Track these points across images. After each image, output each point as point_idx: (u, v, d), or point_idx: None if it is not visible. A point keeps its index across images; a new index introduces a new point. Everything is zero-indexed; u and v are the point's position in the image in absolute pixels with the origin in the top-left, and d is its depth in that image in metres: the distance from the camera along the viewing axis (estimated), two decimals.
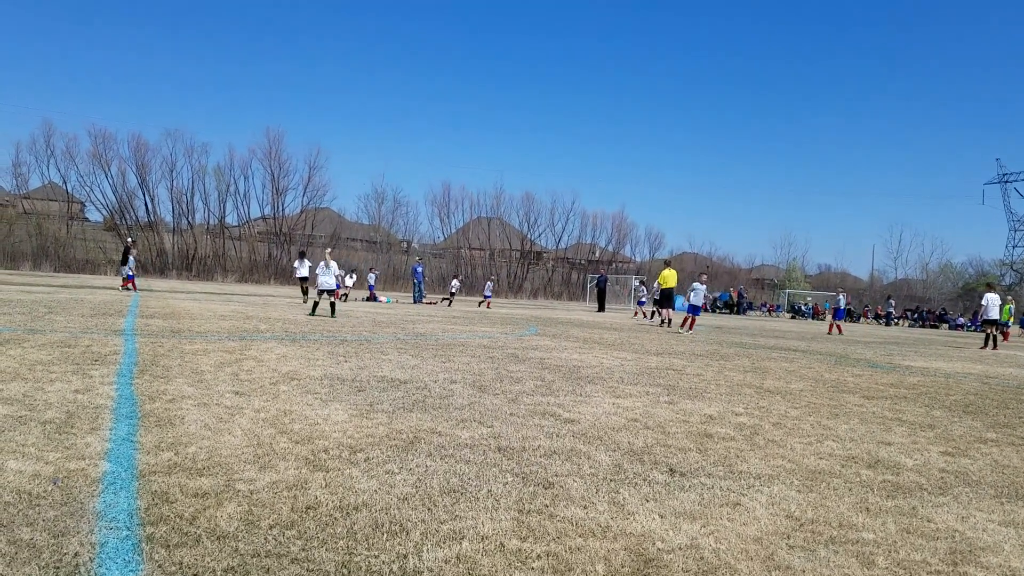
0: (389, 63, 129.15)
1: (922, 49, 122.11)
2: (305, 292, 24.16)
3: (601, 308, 37.11)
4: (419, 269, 34.90)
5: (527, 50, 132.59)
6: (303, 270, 24.46)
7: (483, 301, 34.80)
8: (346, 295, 24.95)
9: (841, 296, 29.23)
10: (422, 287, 34.38)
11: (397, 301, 34.08)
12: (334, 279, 17.77)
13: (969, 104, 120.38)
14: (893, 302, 54.65)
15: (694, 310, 20.33)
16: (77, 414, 4.65)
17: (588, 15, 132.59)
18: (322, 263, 17.70)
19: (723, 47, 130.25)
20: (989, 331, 21.41)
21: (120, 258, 27.60)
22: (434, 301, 34.59)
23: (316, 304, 17.57)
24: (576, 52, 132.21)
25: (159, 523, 2.82)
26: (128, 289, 25.64)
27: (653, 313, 29.87)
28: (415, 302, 32.72)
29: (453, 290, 36.53)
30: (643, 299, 34.53)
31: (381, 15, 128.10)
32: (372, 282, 34.99)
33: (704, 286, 20.88)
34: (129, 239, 35.30)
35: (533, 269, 78.33)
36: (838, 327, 27.26)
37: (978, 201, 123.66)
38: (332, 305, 17.58)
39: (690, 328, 19.74)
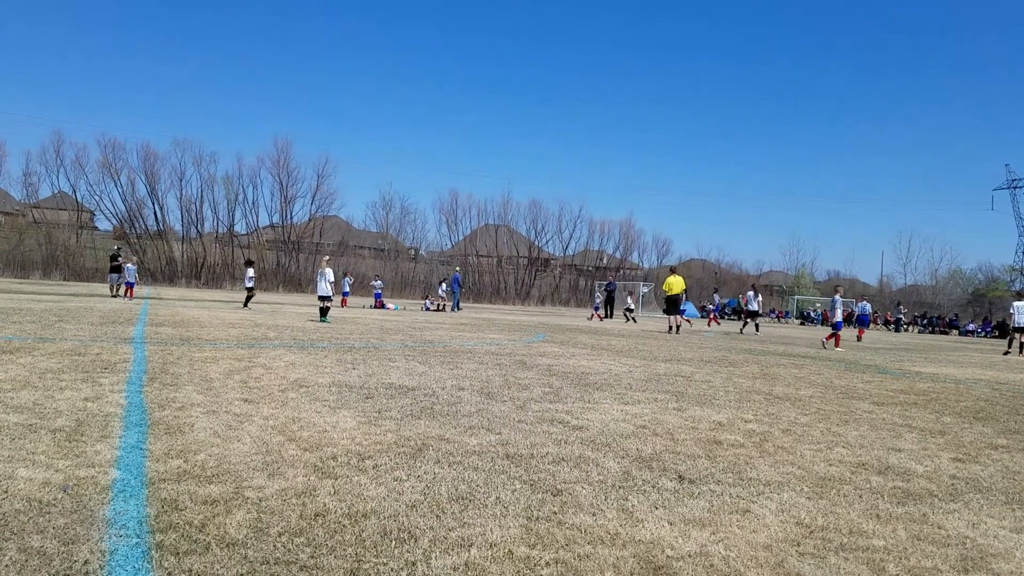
0: (396, 71, 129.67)
1: (930, 54, 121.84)
2: (247, 302, 24.33)
3: (609, 315, 37.06)
4: (458, 278, 35.35)
5: (534, 58, 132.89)
6: (249, 280, 24.45)
7: (605, 314, 34.44)
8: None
9: (866, 303, 29.33)
10: (458, 296, 34.54)
11: (405, 308, 34.12)
12: (328, 286, 18.25)
13: (978, 109, 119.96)
14: (904, 308, 54.46)
15: (838, 325, 19.33)
16: (87, 422, 4.67)
17: (594, 23, 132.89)
18: (320, 271, 18.35)
19: (729, 53, 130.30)
20: (1019, 338, 21.67)
21: (110, 267, 27.58)
22: (442, 308, 34.60)
23: (322, 310, 18.08)
24: (582, 59, 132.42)
25: (168, 530, 2.83)
26: (116, 296, 25.75)
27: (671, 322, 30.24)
28: (453, 309, 33.44)
29: (632, 305, 33.80)
30: (630, 305, 35.28)
31: (388, 23, 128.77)
32: (379, 290, 35.06)
33: (839, 297, 20.04)
34: (116, 247, 35.41)
35: (540, 276, 78.29)
36: (859, 333, 27.39)
37: (987, 207, 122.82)
38: (322, 311, 18.04)
39: (836, 344, 18.84)
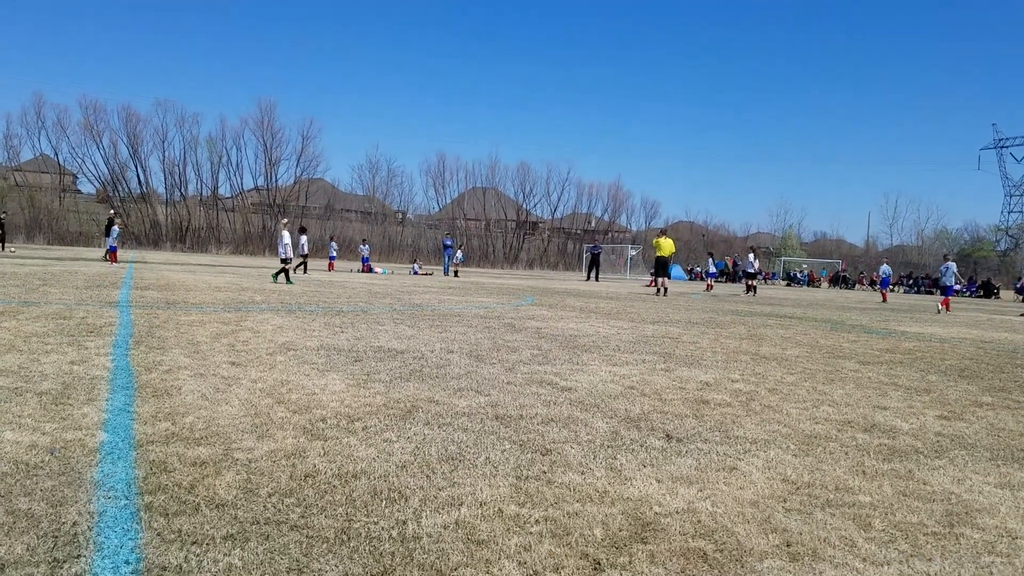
0: (382, 32, 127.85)
1: (917, 15, 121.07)
2: (298, 266, 25.18)
3: (591, 277, 37.06)
4: (448, 243, 36.04)
5: (521, 19, 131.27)
6: (304, 247, 25.47)
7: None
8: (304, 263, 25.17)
9: (884, 266, 30.45)
10: (449, 260, 35.21)
11: (393, 272, 34.06)
12: (285, 248, 18.76)
13: (966, 70, 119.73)
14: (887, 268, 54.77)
15: (950, 291, 21.00)
16: (73, 385, 4.64)
17: None
18: (284, 232, 18.94)
19: (717, 16, 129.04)
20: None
21: (105, 231, 27.68)
22: (429, 273, 34.66)
23: (278, 272, 18.64)
24: (569, 21, 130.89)
25: (157, 492, 2.82)
26: (106, 260, 25.64)
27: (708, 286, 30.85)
28: (445, 273, 34.38)
29: (756, 268, 29.49)
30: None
31: None
32: (366, 254, 34.96)
33: (954, 263, 21.40)
34: (111, 211, 35.42)
35: (529, 239, 78.17)
36: (884, 295, 29.19)
37: (974, 167, 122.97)
38: (284, 272, 18.45)
39: (947, 308, 20.41)
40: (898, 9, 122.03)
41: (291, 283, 17.79)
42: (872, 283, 55.15)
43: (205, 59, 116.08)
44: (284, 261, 18.52)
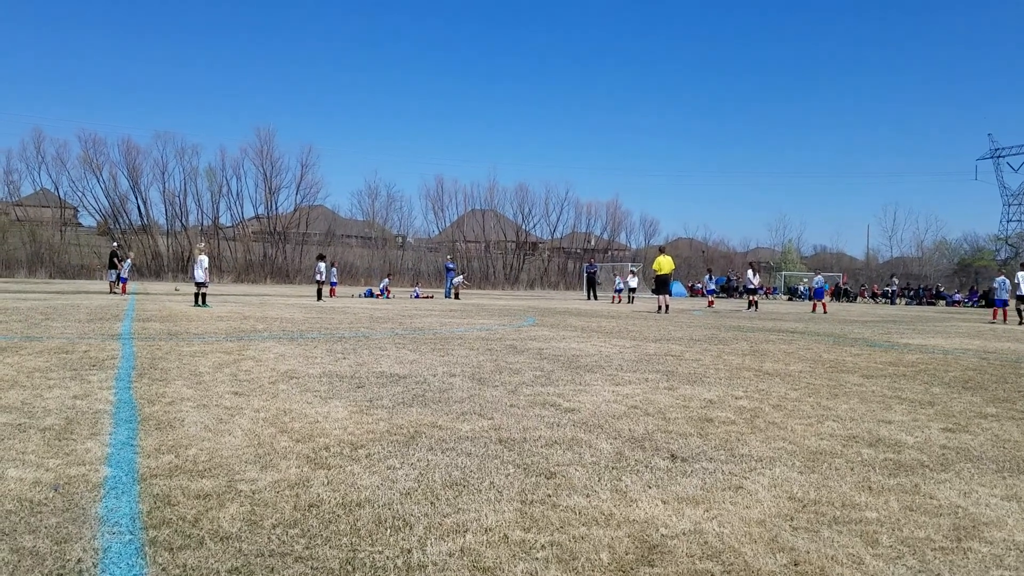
0: (378, 58, 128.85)
1: (911, 26, 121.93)
2: (320, 294, 26.21)
3: (591, 296, 37.09)
4: (450, 266, 36.85)
5: (516, 41, 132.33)
6: (322, 273, 26.45)
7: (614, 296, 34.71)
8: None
9: (819, 277, 30.74)
10: (451, 282, 35.86)
11: (393, 296, 34.11)
12: (203, 273, 19.46)
13: (960, 80, 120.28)
14: (896, 280, 54.92)
15: (1000, 303, 23.43)
16: (76, 420, 4.64)
17: (576, 4, 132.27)
18: (201, 258, 19.75)
19: (712, 29, 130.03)
20: (1021, 307, 23.12)
21: (108, 263, 28.08)
22: (430, 296, 34.86)
23: (197, 295, 19.19)
24: (564, 41, 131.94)
25: (162, 526, 2.82)
26: (115, 293, 25.80)
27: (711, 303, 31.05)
28: (446, 296, 35.14)
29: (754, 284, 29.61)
30: (619, 287, 36.28)
31: (369, 10, 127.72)
32: (383, 287, 35.26)
33: (1007, 279, 23.50)
34: (114, 243, 35.77)
35: (529, 260, 78.19)
36: (823, 305, 29.23)
37: (971, 177, 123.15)
38: (199, 296, 19.11)
39: (1000, 318, 23.07)
40: (892, 22, 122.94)
41: (207, 306, 18.37)
42: (873, 295, 55.23)
43: (204, 89, 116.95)
44: (200, 285, 19.13)
